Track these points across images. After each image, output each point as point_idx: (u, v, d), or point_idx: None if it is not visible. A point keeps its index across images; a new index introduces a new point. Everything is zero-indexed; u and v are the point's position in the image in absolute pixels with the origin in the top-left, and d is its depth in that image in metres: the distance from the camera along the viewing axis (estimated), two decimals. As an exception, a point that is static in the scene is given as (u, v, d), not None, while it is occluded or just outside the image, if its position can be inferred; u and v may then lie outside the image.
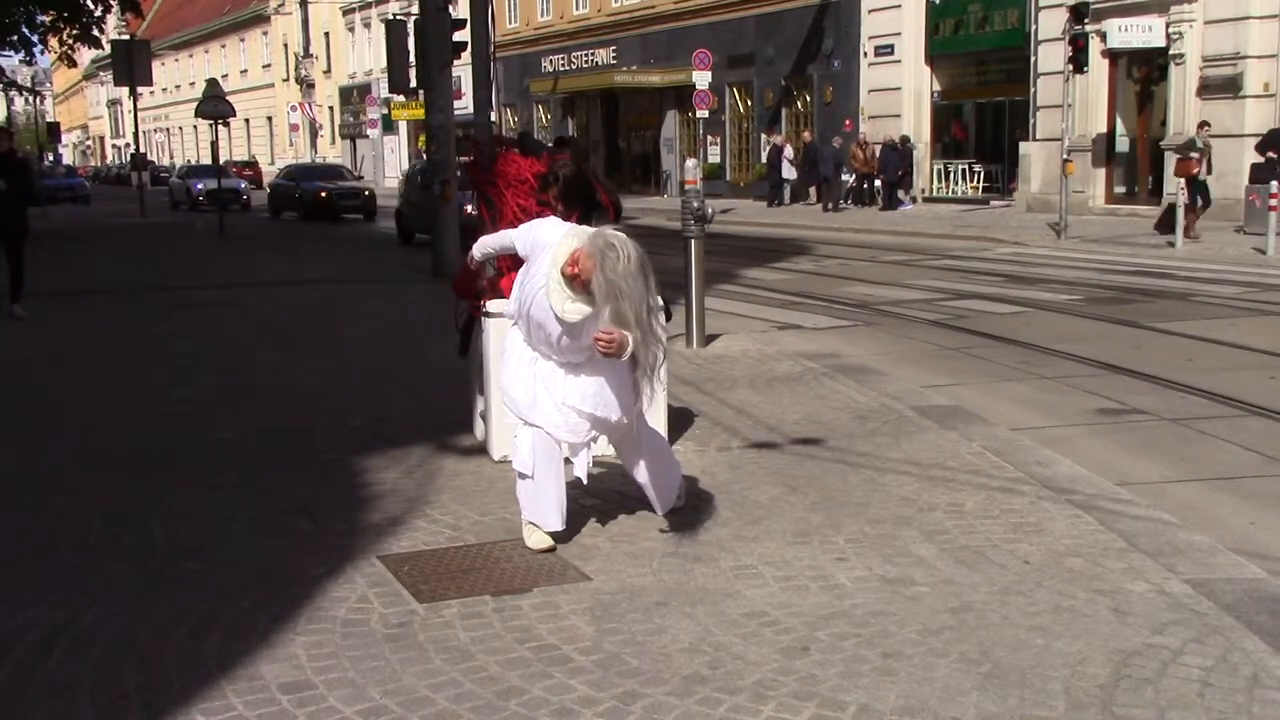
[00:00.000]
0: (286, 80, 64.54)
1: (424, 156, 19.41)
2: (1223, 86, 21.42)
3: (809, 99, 32.05)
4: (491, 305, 5.86)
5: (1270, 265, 15.47)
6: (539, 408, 4.68)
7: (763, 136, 33.19)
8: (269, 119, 67.50)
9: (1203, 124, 19.37)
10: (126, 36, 34.21)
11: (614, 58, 39.03)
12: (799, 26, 31.49)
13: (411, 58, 17.50)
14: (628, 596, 4.23)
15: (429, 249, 16.61)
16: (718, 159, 35.21)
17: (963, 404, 7.40)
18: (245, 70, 69.50)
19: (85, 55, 40.29)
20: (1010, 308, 12.12)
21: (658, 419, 5.70)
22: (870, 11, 29.35)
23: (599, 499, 5.35)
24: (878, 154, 28.24)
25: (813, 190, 30.61)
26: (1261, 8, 20.93)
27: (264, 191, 42.19)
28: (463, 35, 17.17)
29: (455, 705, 3.44)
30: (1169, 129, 22.47)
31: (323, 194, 31.35)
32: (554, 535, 4.76)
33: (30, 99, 57.25)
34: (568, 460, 4.82)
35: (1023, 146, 25.87)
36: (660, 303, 4.69)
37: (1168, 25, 22.20)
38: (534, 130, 40.64)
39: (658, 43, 36.80)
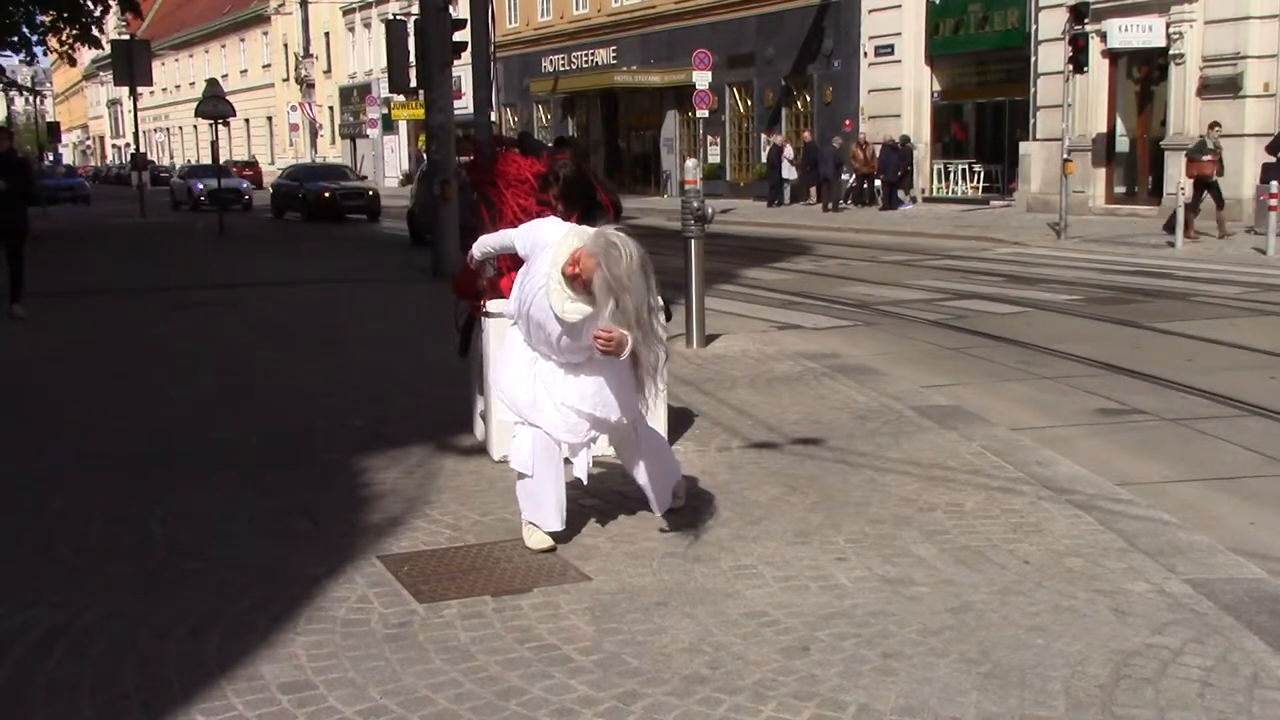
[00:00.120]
0: (286, 80, 64.55)
1: (425, 156, 19.39)
2: (1223, 86, 21.42)
3: (809, 99, 32.05)
4: (491, 305, 5.86)
5: (1270, 265, 15.48)
6: (539, 408, 4.68)
7: (763, 136, 33.19)
8: (269, 119, 67.52)
9: (1213, 124, 19.26)
10: (126, 36, 34.20)
11: (614, 58, 39.03)
12: (799, 26, 31.49)
13: (411, 58, 17.50)
14: (628, 596, 4.23)
15: (430, 249, 16.60)
16: (718, 159, 35.21)
17: (963, 404, 7.40)
18: (245, 70, 69.51)
19: (85, 55, 40.31)
20: (1010, 308, 12.12)
21: (658, 419, 5.70)
22: (870, 11, 29.35)
23: (599, 499, 5.35)
24: (878, 154, 28.24)
25: (813, 190, 30.62)
26: (1261, 8, 20.92)
27: (264, 191, 42.22)
28: (463, 35, 17.17)
29: (455, 705, 3.44)
30: (1169, 129, 22.47)
31: (326, 194, 31.27)
32: (554, 535, 4.76)
33: (30, 99, 57.28)
34: (568, 460, 4.82)
35: (1023, 146, 25.87)
36: (660, 303, 4.69)
37: (1168, 25, 22.20)
38: (534, 130, 40.63)
39: (658, 43, 36.80)
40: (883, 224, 24.33)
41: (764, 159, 32.45)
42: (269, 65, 66.74)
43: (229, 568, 4.59)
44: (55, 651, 3.85)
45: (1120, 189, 24.48)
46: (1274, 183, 16.45)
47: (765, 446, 6.32)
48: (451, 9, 17.42)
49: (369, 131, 53.98)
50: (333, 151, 58.61)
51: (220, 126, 26.62)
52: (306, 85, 62.16)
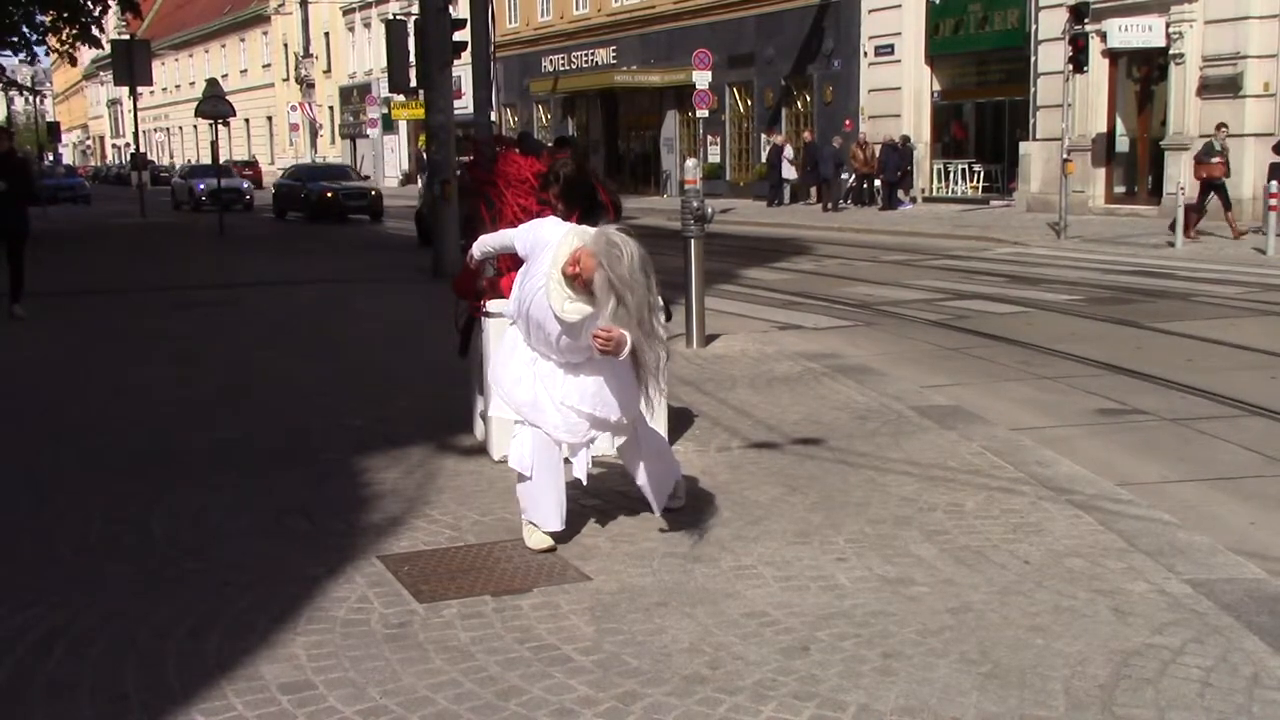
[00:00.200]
0: (286, 80, 64.54)
1: (426, 156, 19.41)
2: (1223, 86, 21.42)
3: (809, 99, 32.05)
4: (491, 305, 5.86)
5: (1270, 265, 15.48)
6: (539, 408, 4.68)
7: (763, 136, 33.19)
8: (269, 119, 67.51)
9: (1220, 126, 19.25)
10: (126, 36, 34.20)
11: (614, 58, 39.02)
12: (799, 26, 31.49)
13: (411, 58, 17.50)
14: (628, 596, 4.23)
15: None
16: (718, 159, 35.21)
17: (963, 404, 7.40)
18: (245, 70, 69.50)
19: (86, 55, 40.32)
20: (1010, 308, 12.12)
21: (658, 419, 5.70)
22: (870, 11, 29.35)
23: (599, 499, 5.35)
24: (878, 154, 28.24)
25: (813, 190, 30.62)
26: (1261, 8, 20.92)
27: (265, 191, 42.18)
28: (463, 35, 17.17)
29: (455, 705, 3.44)
30: (1169, 129, 22.47)
31: (329, 194, 31.16)
32: (554, 535, 4.76)
33: (30, 99, 57.29)
34: (567, 460, 4.82)
35: (1023, 146, 25.87)
36: (660, 302, 4.69)
37: (1168, 25, 22.20)
38: (534, 130, 40.65)
39: (658, 43, 36.79)
40: (883, 224, 24.33)
41: (764, 159, 32.45)
42: (269, 65, 66.74)
43: (229, 568, 4.59)
44: (55, 651, 3.85)
45: (1120, 189, 24.48)
46: (1274, 183, 16.46)
47: (765, 446, 6.32)
48: (451, 9, 17.42)
49: (369, 131, 53.99)
50: (333, 151, 58.61)
51: (220, 126, 26.63)
52: (306, 85, 62.15)
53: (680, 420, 6.76)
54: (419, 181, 36.45)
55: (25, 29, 27.33)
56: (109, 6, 27.37)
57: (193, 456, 6.35)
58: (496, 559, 4.67)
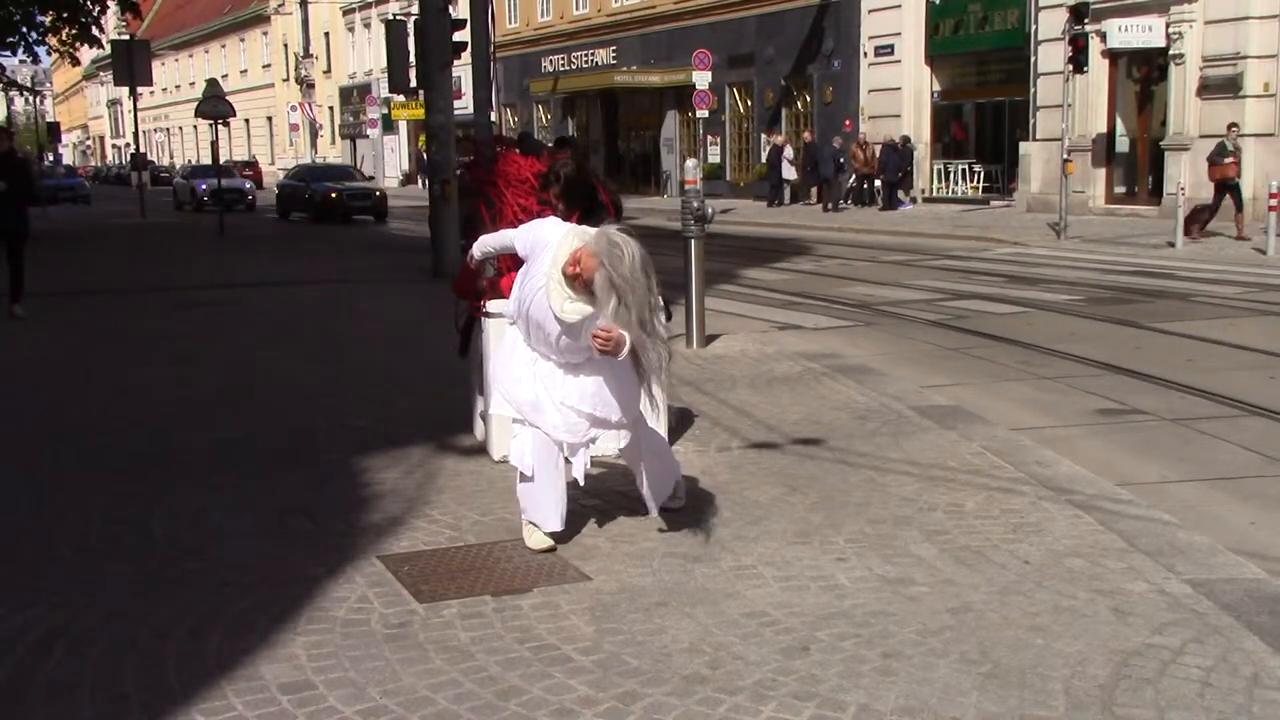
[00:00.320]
0: (286, 80, 64.55)
1: (426, 157, 19.41)
2: (1223, 86, 21.42)
3: (809, 99, 32.05)
4: (491, 305, 5.86)
5: (1270, 265, 15.48)
6: (539, 408, 4.68)
7: (763, 136, 33.19)
8: (269, 119, 67.51)
9: (1231, 125, 19.21)
10: (126, 36, 34.20)
11: (614, 58, 39.03)
12: (799, 26, 31.49)
13: (411, 58, 17.50)
14: (628, 596, 4.23)
15: (430, 249, 16.60)
16: (718, 159, 35.21)
17: (963, 404, 7.40)
18: (245, 70, 69.50)
19: (86, 54, 40.30)
20: (1010, 308, 12.12)
21: (658, 419, 5.70)
22: (870, 11, 29.35)
23: (599, 499, 5.35)
24: (878, 154, 28.24)
25: (813, 190, 30.62)
26: (1261, 8, 20.92)
27: (264, 191, 42.14)
28: (463, 35, 17.17)
29: (455, 705, 3.44)
30: (1169, 129, 22.47)
31: (333, 195, 31.05)
32: (554, 535, 4.76)
33: (30, 99, 57.31)
34: (568, 460, 4.82)
35: (1023, 146, 25.87)
36: (661, 302, 4.69)
37: (1168, 25, 22.20)
38: (534, 130, 40.65)
39: (658, 43, 36.79)
40: (883, 224, 24.34)
41: (764, 159, 32.45)
42: (269, 65, 66.73)
43: (229, 568, 4.59)
44: (55, 651, 3.85)
45: (1120, 189, 24.48)
46: (1274, 182, 16.45)
47: (765, 446, 6.32)
48: (451, 9, 17.42)
49: (369, 131, 53.99)
50: (333, 151, 58.61)
51: (220, 126, 26.62)
52: (306, 85, 62.16)
53: (680, 420, 6.77)
54: (419, 182, 36.42)
55: (25, 29, 27.32)
56: (108, 6, 27.34)
57: (193, 457, 6.36)
58: (496, 559, 4.67)
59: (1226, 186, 18.43)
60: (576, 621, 4.02)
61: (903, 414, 7.01)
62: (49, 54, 33.08)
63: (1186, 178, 20.48)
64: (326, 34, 60.20)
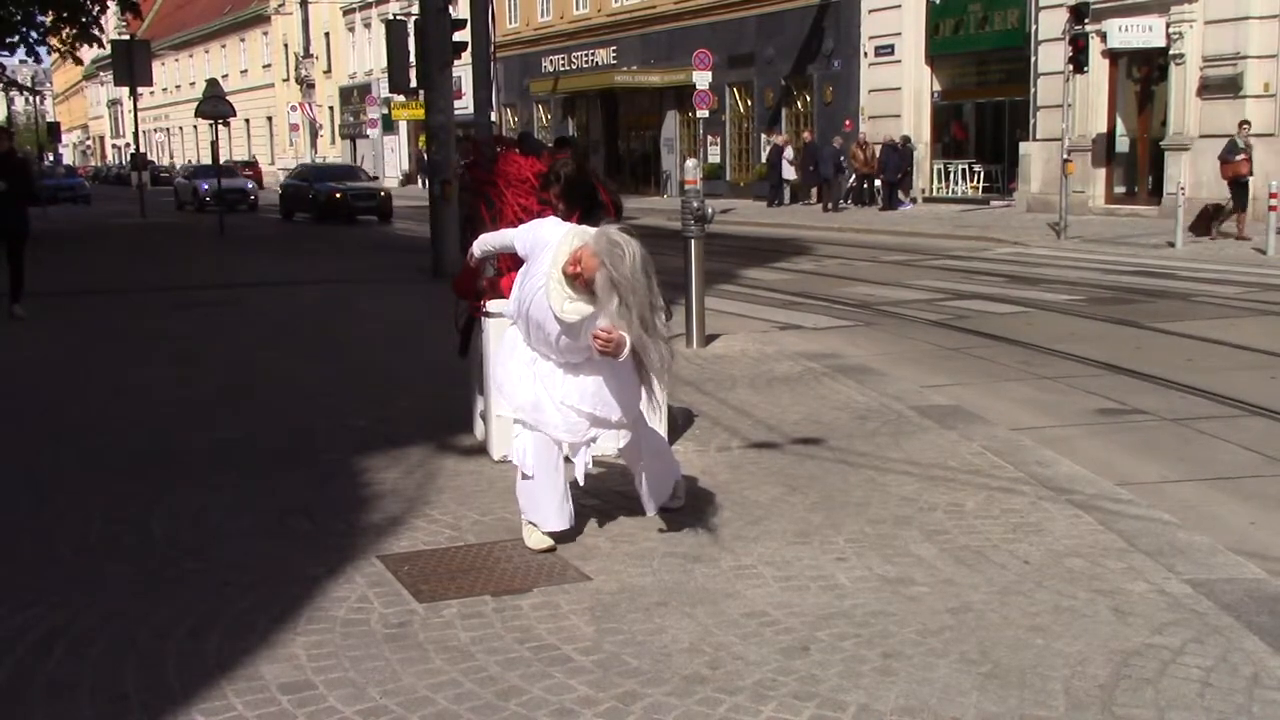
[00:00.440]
0: (286, 80, 64.55)
1: (426, 157, 19.41)
2: (1223, 86, 21.42)
3: (809, 99, 32.05)
4: (491, 305, 5.86)
5: (1270, 265, 15.48)
6: (539, 408, 4.68)
7: (763, 136, 33.19)
8: (269, 119, 67.51)
9: (1243, 123, 19.17)
10: (126, 36, 34.20)
11: (614, 58, 39.03)
12: (799, 26, 31.49)
13: (411, 58, 17.50)
14: (628, 596, 4.23)
15: (430, 249, 16.61)
16: (718, 159, 35.21)
17: (963, 404, 7.40)
18: (245, 70, 69.50)
19: (87, 54, 40.32)
20: (1011, 308, 12.12)
21: (658, 419, 5.70)
22: (870, 11, 29.35)
23: (599, 499, 5.35)
24: (878, 154, 28.24)
25: (813, 190, 30.62)
26: (1261, 8, 20.92)
27: (264, 191, 42.09)
28: (463, 35, 17.17)
29: (455, 705, 3.44)
30: (1169, 129, 22.47)
31: (337, 195, 30.85)
32: (554, 535, 4.76)
33: (30, 99, 57.31)
34: (568, 459, 4.82)
35: (1023, 146, 25.87)
36: (662, 302, 4.69)
37: (1168, 25, 22.20)
38: (534, 130, 40.63)
39: (658, 43, 36.80)
40: (883, 224, 24.34)
41: (764, 159, 32.45)
42: (269, 65, 66.74)
43: (229, 568, 4.59)
44: (55, 651, 3.85)
45: (1120, 189, 24.48)
46: (1274, 182, 16.45)
47: (765, 446, 6.32)
48: (451, 9, 17.42)
49: (369, 132, 53.97)
50: (333, 152, 58.61)
51: (220, 126, 26.60)
52: (306, 85, 62.16)
53: (680, 420, 6.76)
54: (420, 182, 36.33)
55: (25, 29, 27.31)
56: (108, 6, 27.34)
57: (193, 457, 6.35)
58: (496, 559, 4.67)
59: (1238, 184, 18.42)
60: (576, 621, 4.02)
61: (903, 414, 7.01)
62: (49, 54, 33.05)
63: (1186, 178, 20.49)
64: (326, 34, 60.21)
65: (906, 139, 28.26)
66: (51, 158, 67.42)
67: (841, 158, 29.17)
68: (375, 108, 51.79)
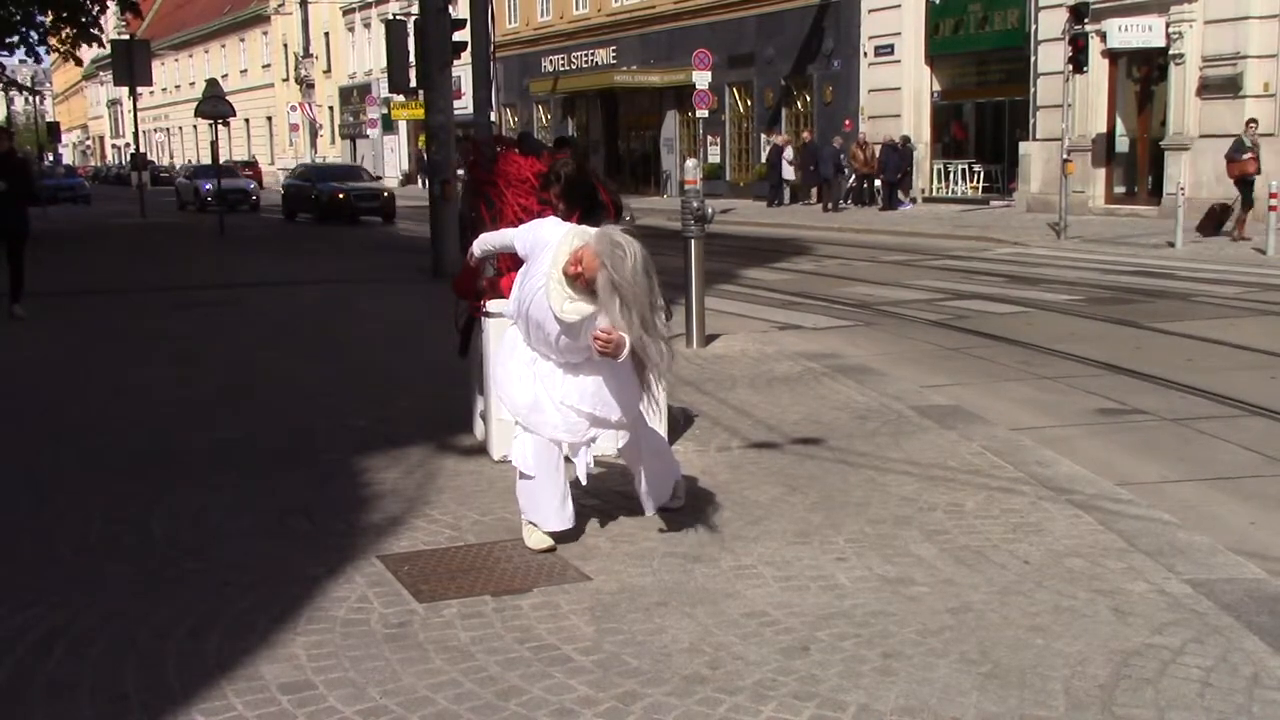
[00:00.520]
0: (286, 80, 64.54)
1: (426, 157, 19.40)
2: (1223, 86, 21.42)
3: (809, 99, 32.05)
4: (491, 305, 5.86)
5: (1270, 265, 15.48)
6: (539, 409, 4.68)
7: (763, 136, 33.19)
8: (269, 119, 67.51)
9: (1250, 121, 19.12)
10: (126, 36, 34.19)
11: (614, 58, 39.02)
12: (799, 26, 31.49)
13: (411, 58, 17.50)
14: (628, 596, 4.23)
15: (430, 249, 16.61)
16: (718, 159, 35.21)
17: (963, 404, 7.40)
18: (245, 70, 69.50)
19: (87, 54, 40.31)
20: (1010, 308, 12.12)
21: (658, 419, 5.70)
22: (870, 11, 29.35)
23: (599, 499, 5.35)
24: (878, 154, 28.24)
25: (813, 190, 30.62)
26: (1261, 8, 20.92)
27: (264, 192, 42.05)
28: (462, 35, 17.17)
29: (455, 705, 3.44)
30: (1169, 129, 22.48)
31: (340, 195, 30.68)
32: (554, 535, 4.76)
33: (30, 99, 57.31)
34: (569, 459, 4.82)
35: (1023, 146, 25.87)
36: (663, 303, 4.69)
37: (1168, 25, 22.20)
38: (534, 130, 40.62)
39: (658, 43, 36.79)
40: (883, 224, 24.34)
41: (764, 159, 32.45)
42: (269, 65, 66.73)
43: (229, 568, 4.59)
44: (55, 651, 3.85)
45: (1120, 189, 24.48)
46: (1274, 182, 16.45)
47: (765, 446, 6.32)
48: (451, 9, 17.42)
49: (369, 131, 53.97)
50: (332, 151, 58.61)
51: (220, 126, 26.60)
52: (306, 85, 62.15)
53: (680, 420, 6.76)
54: (420, 182, 36.30)
55: (25, 29, 27.31)
56: (108, 6, 27.34)
57: (193, 457, 6.36)
58: (496, 559, 4.67)
59: (1244, 182, 18.42)
60: (576, 621, 4.02)
61: (903, 414, 7.01)
62: (49, 54, 33.03)
63: (1186, 178, 20.50)
64: (326, 34, 60.20)
65: (906, 139, 28.27)
66: (51, 158, 67.42)
67: (841, 158, 29.17)
68: (375, 108, 51.79)
